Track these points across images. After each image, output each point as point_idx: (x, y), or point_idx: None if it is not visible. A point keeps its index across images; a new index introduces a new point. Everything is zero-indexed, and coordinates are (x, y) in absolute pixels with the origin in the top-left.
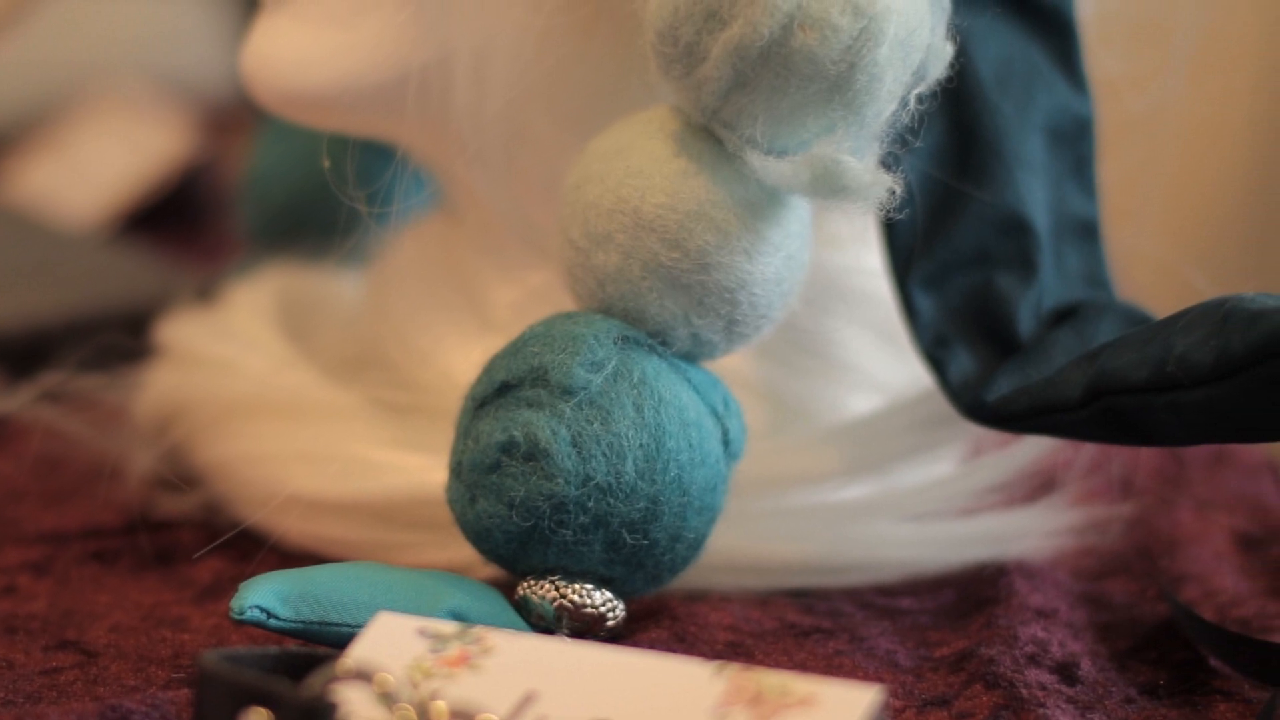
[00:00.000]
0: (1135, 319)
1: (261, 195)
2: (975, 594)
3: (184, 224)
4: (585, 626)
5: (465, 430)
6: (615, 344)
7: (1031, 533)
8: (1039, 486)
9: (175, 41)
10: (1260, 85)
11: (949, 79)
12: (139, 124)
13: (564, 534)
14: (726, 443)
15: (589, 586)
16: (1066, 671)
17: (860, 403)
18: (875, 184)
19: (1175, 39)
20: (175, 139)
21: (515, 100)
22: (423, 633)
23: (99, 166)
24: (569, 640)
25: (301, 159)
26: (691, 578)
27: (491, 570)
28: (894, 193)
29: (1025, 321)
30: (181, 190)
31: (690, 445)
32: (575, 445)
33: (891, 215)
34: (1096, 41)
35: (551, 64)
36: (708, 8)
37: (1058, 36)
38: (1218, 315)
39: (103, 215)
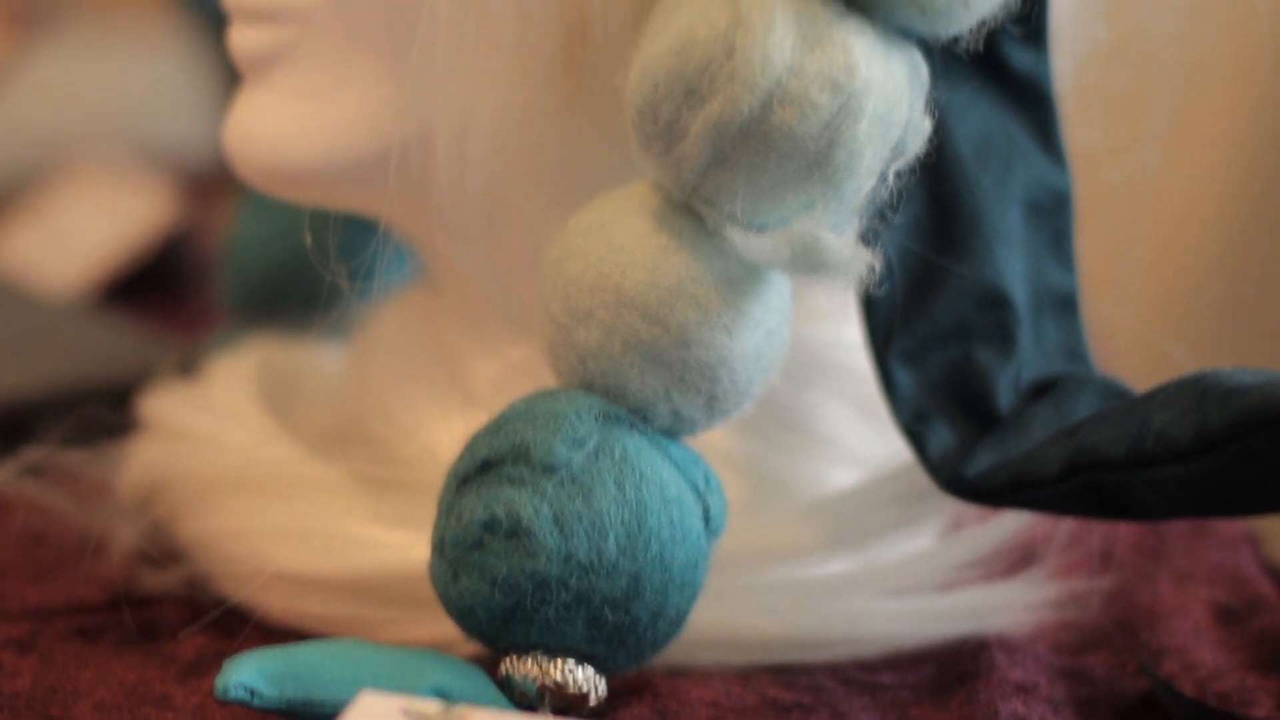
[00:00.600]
0: (1114, 393)
1: (243, 267)
2: (956, 669)
3: (165, 293)
4: (568, 704)
5: (448, 507)
6: (596, 421)
7: (1011, 607)
8: (1018, 560)
9: (156, 108)
10: (1236, 156)
11: (928, 153)
12: (120, 192)
13: (546, 611)
14: (708, 519)
15: (571, 664)
16: None
17: (840, 477)
18: (855, 260)
19: (1152, 110)
20: (156, 207)
21: (496, 175)
22: (406, 711)
23: (80, 235)
24: (552, 718)
25: (283, 231)
26: (673, 653)
27: (474, 647)
28: (873, 268)
29: (1004, 395)
30: (163, 259)
31: (672, 522)
32: (557, 523)
33: (871, 290)
34: (1074, 114)
35: (532, 139)
36: (687, 85)
37: (1036, 110)
38: (1195, 391)
39: (84, 284)
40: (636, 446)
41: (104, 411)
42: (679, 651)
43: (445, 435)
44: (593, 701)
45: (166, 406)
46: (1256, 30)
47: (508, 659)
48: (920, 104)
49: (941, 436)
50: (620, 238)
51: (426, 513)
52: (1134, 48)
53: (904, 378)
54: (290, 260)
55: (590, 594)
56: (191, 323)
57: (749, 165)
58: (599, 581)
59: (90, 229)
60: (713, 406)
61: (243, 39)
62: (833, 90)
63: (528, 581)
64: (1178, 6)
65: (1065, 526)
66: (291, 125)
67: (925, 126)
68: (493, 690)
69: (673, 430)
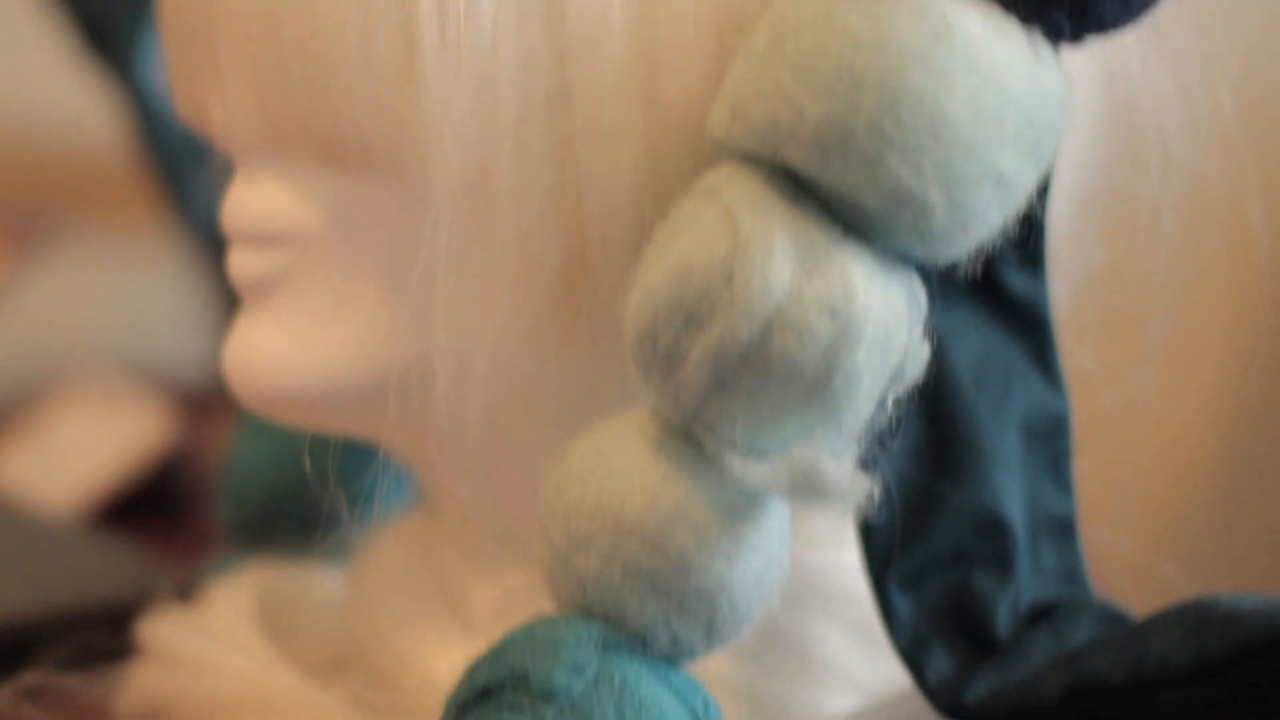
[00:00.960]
0: (1112, 618)
1: (241, 489)
2: None
3: (163, 515)
4: None
5: None
6: (596, 648)
7: None
8: None
9: (153, 328)
10: (1232, 380)
11: (926, 377)
12: (116, 411)
13: None
14: None
15: None
16: None
17: (839, 702)
18: (854, 486)
19: (1148, 333)
20: (153, 427)
21: (496, 402)
22: None
23: (76, 455)
24: None
25: (282, 454)
26: None
27: None
28: (872, 494)
29: (1003, 621)
30: (160, 480)
31: None
32: None
33: (869, 516)
34: (1070, 337)
35: (532, 366)
36: (686, 311)
37: (1033, 334)
38: (1194, 617)
39: (80, 505)
40: (636, 674)
41: (102, 635)
42: None
43: (445, 662)
44: None
45: (165, 631)
46: (1253, 254)
47: None
48: (918, 329)
49: (940, 662)
50: (619, 465)
51: None
52: (1130, 271)
53: (902, 603)
54: (289, 484)
55: None
56: (189, 545)
57: (748, 392)
58: None
59: (86, 449)
60: (712, 632)
61: (242, 263)
62: (831, 316)
63: None
64: (1174, 230)
65: None
66: (291, 350)
67: (923, 352)
68: None
69: (672, 656)
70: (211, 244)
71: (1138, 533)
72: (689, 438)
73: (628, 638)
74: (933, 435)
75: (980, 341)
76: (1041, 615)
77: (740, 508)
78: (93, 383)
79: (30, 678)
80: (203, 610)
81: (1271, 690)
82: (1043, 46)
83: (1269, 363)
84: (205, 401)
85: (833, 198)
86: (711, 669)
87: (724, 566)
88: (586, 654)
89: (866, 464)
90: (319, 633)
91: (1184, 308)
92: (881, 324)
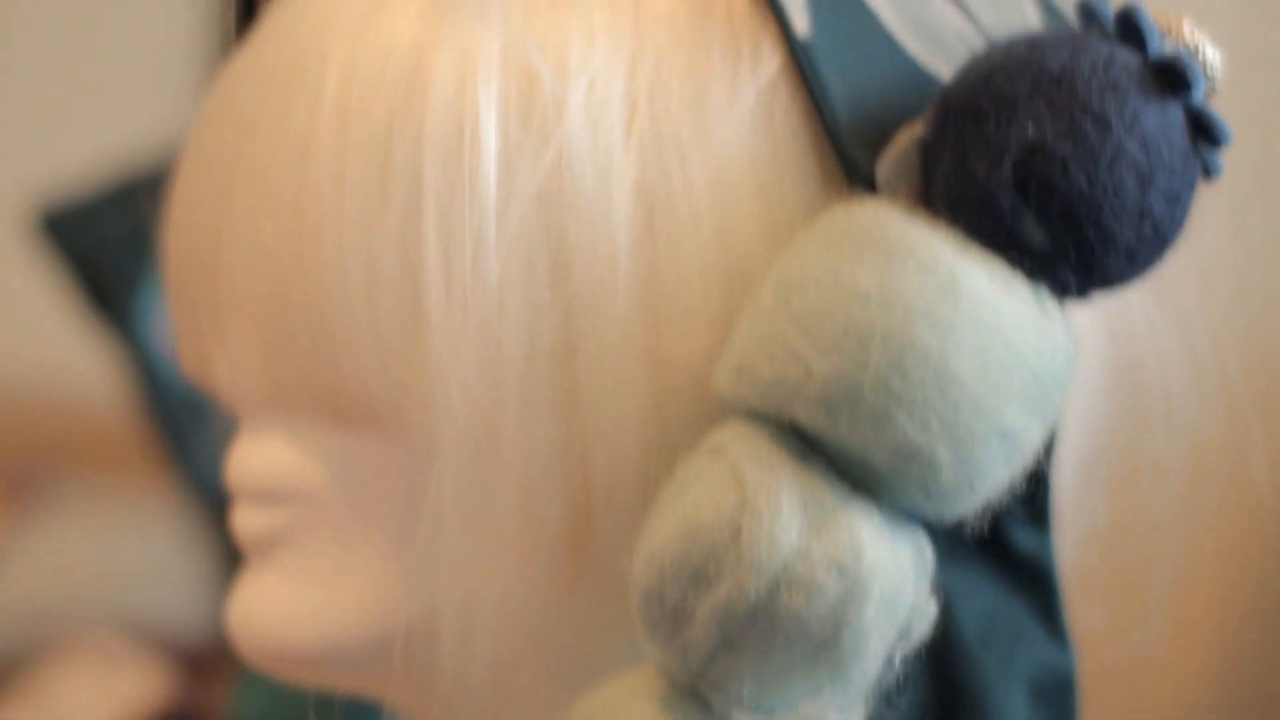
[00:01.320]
0: None
1: None
2: None
3: None
4: None
5: None
6: None
7: None
8: None
9: (152, 585)
10: (1235, 634)
11: (932, 635)
12: (114, 671)
13: None
14: None
15: None
16: None
17: None
18: None
19: (1152, 589)
20: (152, 686)
21: (501, 659)
22: None
23: (75, 715)
24: None
25: (284, 711)
26: None
27: None
28: None
29: None
30: None
31: None
32: None
33: None
34: (1075, 593)
35: (537, 623)
36: (693, 569)
37: (1039, 591)
38: None
39: None
40: None
41: None
42: None
43: None
44: None
45: None
46: (1258, 511)
47: None
48: (925, 587)
49: None
50: None
51: None
52: (1135, 527)
53: None
54: None
55: None
56: None
57: (756, 650)
58: None
59: (86, 709)
60: None
61: (246, 520)
62: (839, 574)
63: None
64: (1179, 486)
65: None
66: (295, 608)
67: (930, 609)
68: None
69: None
70: (213, 500)
71: None
72: (695, 696)
73: None
74: (939, 693)
75: (987, 599)
76: None
77: None
78: (92, 641)
79: None
80: None
81: None
82: (1049, 302)
83: (1274, 619)
84: (206, 660)
85: (840, 454)
86: None
87: None
88: None
89: None
90: None
91: (1189, 564)
92: (889, 582)
